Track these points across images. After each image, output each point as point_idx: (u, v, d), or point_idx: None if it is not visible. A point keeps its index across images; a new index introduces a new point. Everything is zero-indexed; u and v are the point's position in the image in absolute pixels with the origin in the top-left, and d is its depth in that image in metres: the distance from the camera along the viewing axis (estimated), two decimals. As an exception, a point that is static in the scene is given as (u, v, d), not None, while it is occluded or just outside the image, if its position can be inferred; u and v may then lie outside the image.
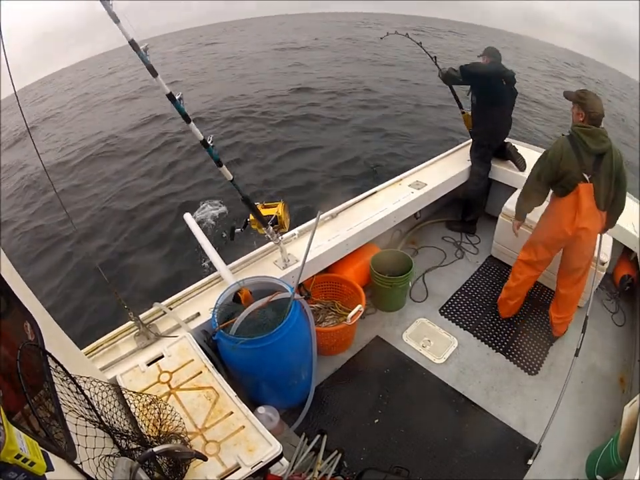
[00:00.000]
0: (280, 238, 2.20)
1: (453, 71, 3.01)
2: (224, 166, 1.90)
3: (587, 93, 2.13)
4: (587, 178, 2.13)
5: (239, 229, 2.12)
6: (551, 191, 2.34)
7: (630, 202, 3.03)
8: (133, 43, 1.47)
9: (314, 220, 2.08)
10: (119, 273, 4.59)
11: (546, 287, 3.01)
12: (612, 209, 2.27)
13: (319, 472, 1.84)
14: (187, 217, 2.57)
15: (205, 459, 1.28)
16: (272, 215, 2.09)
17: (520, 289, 2.64)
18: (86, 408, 1.09)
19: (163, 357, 1.74)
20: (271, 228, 2.08)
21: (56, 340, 1.15)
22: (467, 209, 3.53)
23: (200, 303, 2.16)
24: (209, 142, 1.77)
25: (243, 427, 1.46)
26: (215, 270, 2.30)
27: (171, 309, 2.11)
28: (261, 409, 1.88)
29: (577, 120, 2.15)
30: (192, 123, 1.71)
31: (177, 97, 1.63)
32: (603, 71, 19.18)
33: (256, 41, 21.10)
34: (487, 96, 3.02)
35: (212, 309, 1.95)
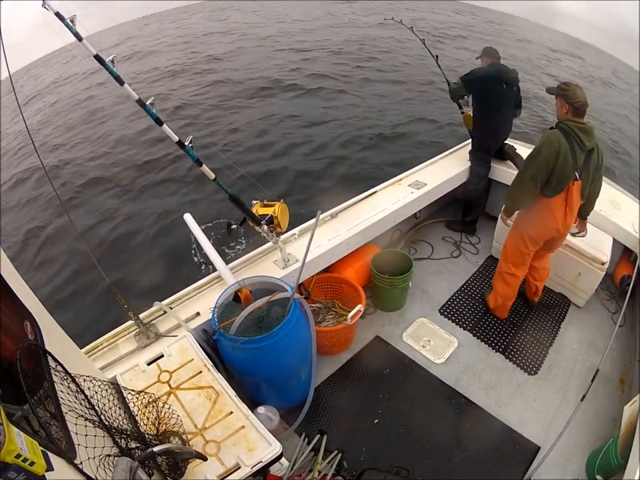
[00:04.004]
0: (277, 237, 2.20)
1: (455, 84, 3.04)
2: (204, 165, 1.91)
3: (569, 84, 2.09)
4: (577, 175, 2.13)
5: (235, 226, 2.12)
6: None
7: (630, 202, 3.05)
8: (98, 57, 1.56)
9: (314, 220, 2.07)
10: (119, 272, 4.58)
11: (546, 287, 3.01)
12: (591, 193, 2.31)
13: (319, 472, 1.84)
14: (187, 217, 2.56)
15: (204, 458, 1.28)
16: (267, 214, 2.08)
17: (514, 291, 2.66)
18: (86, 407, 1.08)
19: (162, 356, 1.74)
20: (266, 227, 2.08)
21: (56, 339, 1.15)
22: (466, 209, 3.53)
23: (200, 303, 2.15)
24: (187, 142, 1.81)
25: (243, 426, 1.46)
26: (215, 270, 2.30)
27: (171, 308, 2.11)
28: (261, 409, 1.88)
29: (561, 113, 2.10)
30: (164, 125, 1.76)
31: (147, 102, 1.69)
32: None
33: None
34: (487, 101, 2.98)
35: (212, 309, 1.94)
